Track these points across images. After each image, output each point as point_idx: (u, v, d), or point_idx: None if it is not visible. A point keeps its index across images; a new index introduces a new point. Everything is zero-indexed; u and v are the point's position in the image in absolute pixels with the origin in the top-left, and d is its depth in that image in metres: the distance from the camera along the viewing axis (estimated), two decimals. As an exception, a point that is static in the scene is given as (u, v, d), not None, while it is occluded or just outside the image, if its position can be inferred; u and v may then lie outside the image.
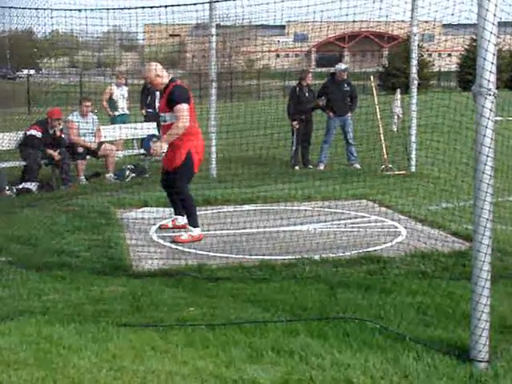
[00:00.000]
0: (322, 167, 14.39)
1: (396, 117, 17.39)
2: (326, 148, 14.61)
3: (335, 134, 14.76)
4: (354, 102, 14.68)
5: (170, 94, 8.17)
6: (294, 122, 14.47)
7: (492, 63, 4.46)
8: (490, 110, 4.50)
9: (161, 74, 8.31)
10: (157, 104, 16.20)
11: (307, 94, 14.52)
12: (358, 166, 14.33)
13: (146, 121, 15.87)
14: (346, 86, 14.57)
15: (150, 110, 16.19)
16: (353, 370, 4.47)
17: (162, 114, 8.36)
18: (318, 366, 4.53)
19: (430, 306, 5.70)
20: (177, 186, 8.36)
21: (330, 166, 14.35)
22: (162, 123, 8.42)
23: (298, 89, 14.66)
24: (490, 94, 4.49)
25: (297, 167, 14.39)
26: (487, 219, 4.54)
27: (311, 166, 14.49)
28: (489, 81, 4.48)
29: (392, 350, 4.75)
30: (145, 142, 8.97)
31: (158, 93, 16.10)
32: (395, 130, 16.69)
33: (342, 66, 14.74)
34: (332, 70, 15.02)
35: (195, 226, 8.33)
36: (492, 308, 4.66)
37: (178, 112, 8.09)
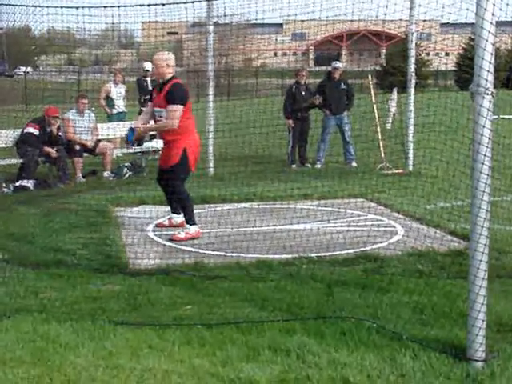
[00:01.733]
0: (319, 166, 14.41)
1: (392, 115, 17.39)
2: (322, 147, 14.62)
3: (332, 133, 14.78)
4: (350, 101, 14.71)
5: (169, 91, 8.14)
6: (290, 121, 14.49)
7: (490, 62, 4.46)
8: (488, 110, 4.50)
9: (171, 66, 8.25)
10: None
11: (304, 93, 14.54)
12: (354, 164, 14.35)
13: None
14: (342, 84, 14.60)
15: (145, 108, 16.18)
16: (349, 368, 4.47)
17: (158, 109, 8.32)
18: (315, 365, 4.53)
19: (427, 305, 5.70)
20: (172, 184, 8.35)
21: (327, 165, 14.36)
22: (158, 118, 8.38)
23: (294, 87, 14.69)
24: (487, 94, 4.49)
25: (294, 165, 14.40)
26: (484, 218, 4.54)
27: (309, 165, 14.50)
28: (487, 80, 4.48)
29: (389, 349, 4.76)
30: (129, 135, 8.94)
31: (150, 86, 16.12)
32: (389, 127, 16.68)
33: (335, 63, 14.77)
34: (329, 68, 15.05)
35: (192, 223, 8.33)
36: (489, 307, 4.66)
37: (170, 111, 8.08)
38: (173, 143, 8.25)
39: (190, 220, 8.35)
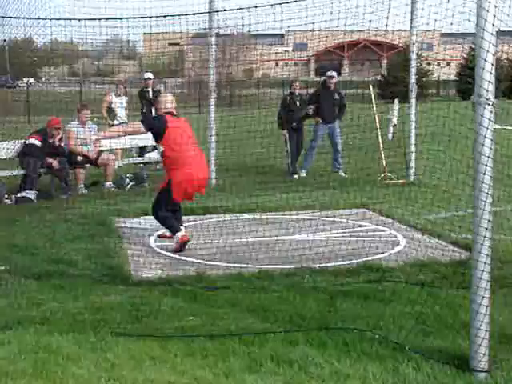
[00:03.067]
0: (303, 173, 14.45)
1: (392, 126, 17.39)
2: (310, 154, 14.68)
3: (321, 142, 14.80)
4: (341, 111, 14.81)
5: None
6: (285, 131, 14.59)
7: (491, 73, 4.48)
8: (489, 120, 4.51)
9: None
10: (153, 113, 16.27)
11: (298, 104, 14.61)
12: (342, 173, 14.40)
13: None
14: (336, 95, 14.67)
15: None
16: (352, 379, 4.46)
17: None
18: (317, 376, 4.53)
19: (430, 315, 5.69)
20: (154, 204, 8.53)
21: (329, 176, 14.34)
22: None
23: (288, 98, 14.80)
24: (488, 104, 4.50)
25: (296, 176, 14.41)
26: (486, 228, 4.54)
27: (300, 173, 14.58)
28: (487, 90, 4.49)
29: (391, 360, 4.75)
30: None
31: (151, 96, 16.21)
32: (390, 138, 16.68)
33: (330, 73, 14.83)
34: (324, 77, 15.13)
35: (176, 231, 8.37)
36: (491, 317, 4.66)
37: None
38: (166, 170, 8.58)
39: (173, 230, 8.42)
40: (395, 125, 17.09)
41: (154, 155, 14.91)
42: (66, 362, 4.78)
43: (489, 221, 4.55)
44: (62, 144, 12.67)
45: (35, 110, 30.59)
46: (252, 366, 4.70)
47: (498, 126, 4.84)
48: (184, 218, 10.17)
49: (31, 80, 41.72)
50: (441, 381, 4.44)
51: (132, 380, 4.50)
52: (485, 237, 4.54)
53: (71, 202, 11.57)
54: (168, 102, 8.67)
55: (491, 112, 4.52)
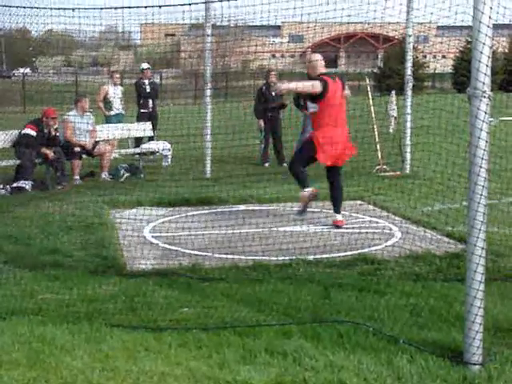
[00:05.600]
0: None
1: (392, 119, 17.40)
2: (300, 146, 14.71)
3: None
4: None
5: None
6: (261, 121, 14.71)
7: (487, 65, 4.47)
8: (485, 113, 4.50)
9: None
10: (150, 104, 16.24)
11: (274, 93, 14.64)
12: None
13: (139, 120, 15.89)
14: None
15: (143, 111, 16.20)
16: (346, 371, 4.46)
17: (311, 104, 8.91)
18: (312, 368, 4.53)
19: (424, 307, 5.70)
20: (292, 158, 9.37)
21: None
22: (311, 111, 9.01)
23: (264, 88, 14.87)
24: (484, 97, 4.49)
25: (266, 164, 14.60)
26: (481, 221, 4.54)
27: (285, 164, 14.57)
28: (483, 83, 4.48)
29: (385, 352, 4.75)
30: None
31: (147, 87, 16.15)
32: (391, 131, 16.71)
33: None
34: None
35: (304, 187, 8.97)
36: (486, 310, 4.66)
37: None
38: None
39: (302, 185, 9.03)
40: (396, 117, 17.12)
41: (149, 146, 14.91)
42: (60, 353, 4.78)
43: (484, 213, 4.55)
44: (58, 134, 12.64)
45: (31, 100, 30.52)
46: (246, 358, 4.70)
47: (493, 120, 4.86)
48: (178, 208, 10.20)
49: (27, 70, 41.61)
50: (435, 373, 4.45)
51: (126, 371, 4.49)
52: (480, 229, 4.54)
53: (66, 192, 11.54)
54: (320, 65, 8.96)
55: (487, 105, 4.52)
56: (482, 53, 4.45)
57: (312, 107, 8.93)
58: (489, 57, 4.47)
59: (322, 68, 8.95)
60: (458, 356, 4.63)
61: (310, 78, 9.01)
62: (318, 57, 9.09)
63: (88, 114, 13.34)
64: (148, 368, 4.54)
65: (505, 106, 13.67)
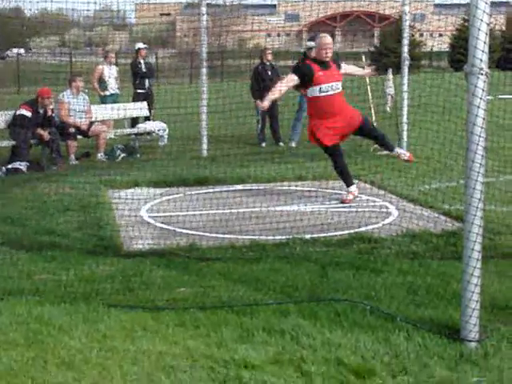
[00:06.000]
0: (293, 144, 14.46)
1: (389, 97, 17.34)
2: (297, 125, 14.65)
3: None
4: None
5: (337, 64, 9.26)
6: (258, 101, 14.57)
7: (484, 42, 4.44)
8: (483, 90, 4.48)
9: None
10: (146, 84, 16.13)
11: (270, 73, 14.60)
12: None
13: (134, 100, 15.80)
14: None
15: (139, 91, 16.11)
16: (343, 349, 4.48)
17: (335, 83, 9.04)
18: (309, 346, 4.54)
19: (421, 285, 5.71)
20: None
21: (302, 144, 14.28)
22: (335, 92, 9.08)
23: (260, 67, 14.79)
24: (482, 74, 4.47)
25: (263, 144, 14.55)
26: (479, 199, 4.53)
27: (282, 144, 14.57)
28: (481, 60, 4.46)
29: (383, 330, 4.76)
30: None
31: (143, 67, 16.04)
32: (389, 110, 16.65)
33: (310, 44, 14.70)
34: (303, 48, 15.05)
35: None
36: (482, 288, 4.67)
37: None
38: None
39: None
40: (392, 96, 17.06)
41: (145, 126, 14.85)
42: (58, 333, 4.78)
43: (481, 191, 4.54)
44: (54, 115, 12.59)
45: (25, 81, 30.38)
46: (244, 337, 4.71)
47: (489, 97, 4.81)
48: (175, 188, 10.18)
49: (21, 51, 41.34)
50: (432, 350, 4.46)
51: (124, 350, 4.50)
52: (477, 207, 4.54)
53: (62, 173, 11.52)
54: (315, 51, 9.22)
55: (484, 82, 4.49)
56: (479, 29, 4.42)
57: (310, 92, 9.05)
58: (486, 34, 4.44)
59: (313, 53, 9.04)
60: (454, 333, 4.64)
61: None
62: (314, 43, 9.19)
63: (83, 94, 13.28)
64: (146, 347, 4.54)
65: (502, 84, 13.60)
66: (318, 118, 9.04)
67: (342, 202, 9.15)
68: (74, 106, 12.87)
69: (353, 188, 9.28)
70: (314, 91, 8.97)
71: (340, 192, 9.62)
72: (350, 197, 9.19)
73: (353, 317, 5.00)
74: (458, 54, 44.61)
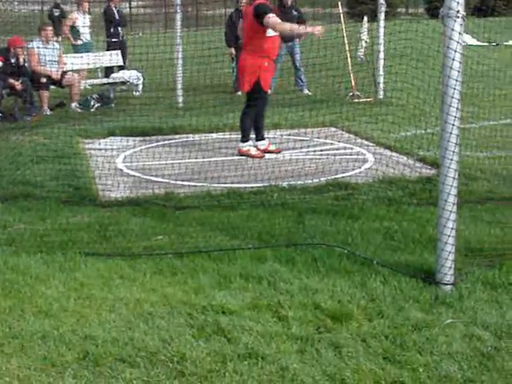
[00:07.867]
0: (269, 93, 14.34)
1: (363, 42, 17.20)
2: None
3: (282, 61, 14.65)
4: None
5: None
6: (232, 49, 14.45)
7: (461, -15, 4.39)
8: (459, 33, 4.45)
9: None
10: (120, 32, 15.84)
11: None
12: (306, 91, 14.39)
13: (108, 49, 15.54)
14: (293, 11, 14.36)
15: (114, 40, 15.83)
16: (320, 294, 4.51)
17: None
18: (286, 291, 4.57)
19: (397, 231, 5.75)
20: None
21: (296, 94, 14.24)
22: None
23: (234, 15, 14.56)
24: (458, 17, 4.43)
25: (239, 93, 14.41)
26: (455, 144, 4.54)
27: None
28: (458, 3, 4.41)
29: (359, 275, 4.81)
30: None
31: (116, 15, 15.76)
32: (362, 56, 16.53)
33: None
34: None
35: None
36: (457, 232, 4.71)
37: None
38: None
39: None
40: (366, 41, 16.92)
41: (120, 75, 14.64)
42: (35, 282, 4.77)
43: (457, 137, 4.54)
44: (26, 64, 12.37)
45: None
46: (221, 283, 4.73)
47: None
48: (151, 138, 10.10)
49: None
50: (407, 294, 4.51)
51: (101, 298, 4.50)
52: (453, 152, 4.54)
53: (36, 123, 11.37)
54: None
55: (461, 25, 4.46)
56: (456, -29, 4.36)
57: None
58: (463, -25, 4.39)
59: None
60: (430, 277, 4.69)
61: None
62: None
63: (54, 43, 13.03)
64: (123, 295, 4.55)
65: (481, 30, 13.54)
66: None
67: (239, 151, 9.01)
68: (45, 55, 12.63)
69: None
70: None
71: (318, 140, 9.60)
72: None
73: (329, 262, 5.03)
74: (435, 1, 44.31)
